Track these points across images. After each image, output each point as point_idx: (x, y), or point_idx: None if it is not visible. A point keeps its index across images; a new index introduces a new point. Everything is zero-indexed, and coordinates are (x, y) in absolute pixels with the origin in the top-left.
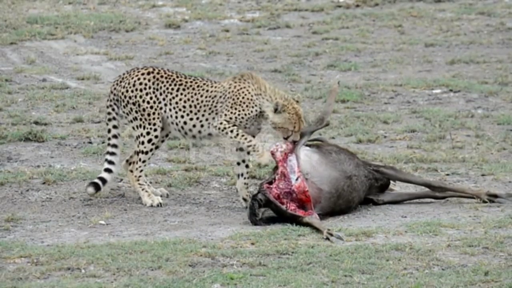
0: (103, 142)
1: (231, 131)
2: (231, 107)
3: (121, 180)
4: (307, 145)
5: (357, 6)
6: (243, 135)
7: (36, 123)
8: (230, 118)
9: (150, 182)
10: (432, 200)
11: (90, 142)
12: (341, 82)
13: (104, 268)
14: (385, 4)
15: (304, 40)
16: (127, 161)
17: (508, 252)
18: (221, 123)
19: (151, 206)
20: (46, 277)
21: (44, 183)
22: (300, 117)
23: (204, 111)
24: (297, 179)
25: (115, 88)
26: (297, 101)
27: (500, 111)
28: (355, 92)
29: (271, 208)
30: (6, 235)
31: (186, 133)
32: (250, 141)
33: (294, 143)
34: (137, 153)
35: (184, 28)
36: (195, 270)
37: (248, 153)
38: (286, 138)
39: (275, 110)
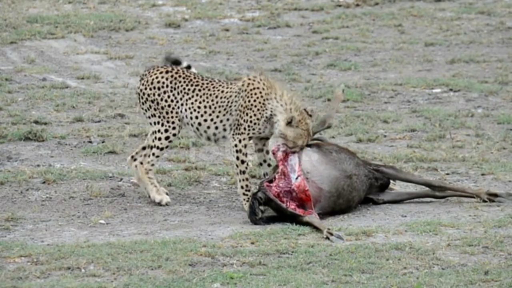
0: (103, 142)
1: (242, 162)
2: (243, 112)
3: (121, 179)
4: (307, 145)
5: (357, 5)
6: (246, 178)
7: (36, 122)
8: (245, 129)
9: None
10: (432, 199)
11: (90, 142)
12: (343, 85)
13: (104, 268)
14: (385, 3)
15: (304, 39)
16: (132, 157)
17: (508, 251)
18: (235, 145)
19: (159, 203)
20: (46, 276)
21: (44, 182)
22: (309, 134)
23: (219, 112)
24: (297, 178)
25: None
26: (310, 115)
27: (500, 111)
28: (355, 92)
29: (271, 207)
30: (6, 234)
31: (201, 134)
32: (247, 186)
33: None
34: (151, 147)
35: (184, 27)
36: (195, 270)
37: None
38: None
39: (288, 123)
